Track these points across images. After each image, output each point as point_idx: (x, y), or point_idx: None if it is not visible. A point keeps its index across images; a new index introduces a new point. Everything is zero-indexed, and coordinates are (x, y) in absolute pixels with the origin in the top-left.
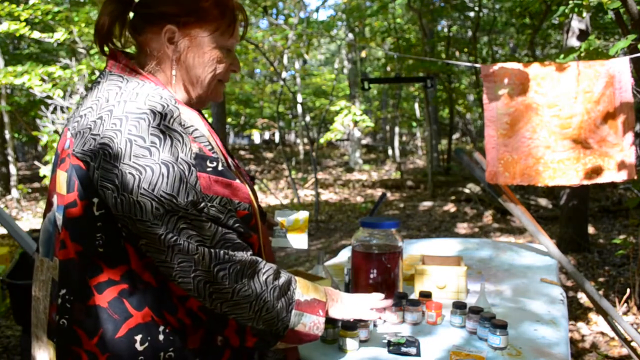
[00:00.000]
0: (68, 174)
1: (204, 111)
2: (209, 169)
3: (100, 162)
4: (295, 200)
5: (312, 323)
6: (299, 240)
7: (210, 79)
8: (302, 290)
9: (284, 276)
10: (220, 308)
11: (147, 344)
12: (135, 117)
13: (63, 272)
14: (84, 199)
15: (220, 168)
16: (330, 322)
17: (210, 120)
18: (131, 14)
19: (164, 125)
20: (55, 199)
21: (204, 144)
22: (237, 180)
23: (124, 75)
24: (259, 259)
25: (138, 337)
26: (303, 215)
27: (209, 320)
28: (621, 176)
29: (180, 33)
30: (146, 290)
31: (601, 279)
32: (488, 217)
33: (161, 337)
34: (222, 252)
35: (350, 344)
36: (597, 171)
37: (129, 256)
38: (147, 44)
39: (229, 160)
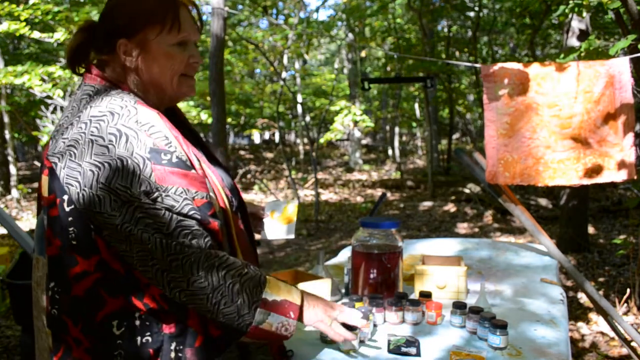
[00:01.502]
0: (48, 177)
1: (203, 112)
2: (164, 161)
3: (66, 162)
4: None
5: (279, 324)
6: (286, 229)
7: (169, 78)
8: (272, 290)
9: (250, 273)
10: (179, 297)
11: (123, 329)
12: (97, 119)
13: (51, 267)
14: (58, 197)
15: (174, 160)
16: None
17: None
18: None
19: (121, 124)
20: (42, 202)
21: (160, 139)
22: (194, 171)
23: (95, 84)
24: (220, 253)
25: (115, 323)
26: (292, 204)
27: (171, 308)
28: (621, 176)
29: (132, 43)
30: (116, 278)
31: (601, 279)
32: (488, 217)
33: (137, 322)
34: (174, 242)
35: (350, 343)
36: (597, 171)
37: (98, 247)
38: (110, 60)
39: (190, 153)
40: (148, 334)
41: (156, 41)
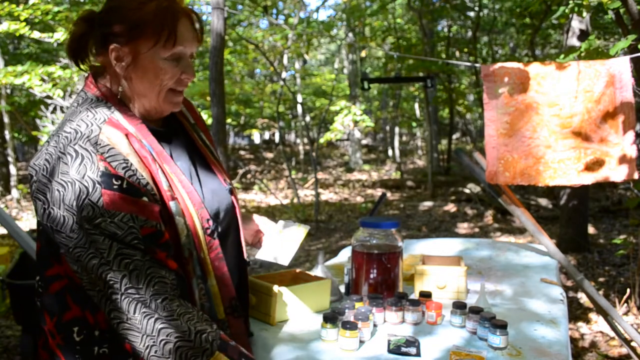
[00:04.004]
0: None
1: (203, 112)
2: (114, 187)
3: (40, 176)
4: (295, 200)
5: None
6: (282, 254)
7: (157, 92)
8: None
9: (195, 341)
10: (117, 328)
11: (82, 337)
12: (65, 135)
13: (37, 262)
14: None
15: (124, 186)
16: (330, 321)
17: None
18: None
19: (79, 145)
20: None
21: (116, 162)
22: (145, 198)
23: (87, 91)
24: (158, 302)
25: (75, 329)
26: (302, 229)
27: (110, 333)
28: (621, 176)
29: (125, 50)
30: (78, 289)
31: (601, 279)
32: (488, 217)
33: (97, 332)
34: (110, 274)
35: (350, 343)
36: (597, 170)
37: (61, 259)
38: (104, 63)
39: (159, 174)
40: (106, 345)
41: (149, 54)
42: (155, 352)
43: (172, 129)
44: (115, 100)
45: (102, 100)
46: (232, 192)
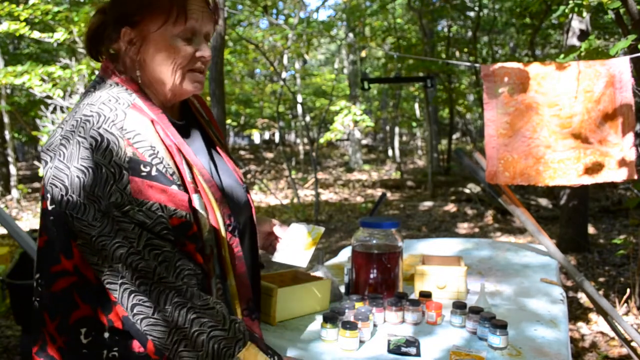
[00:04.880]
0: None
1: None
2: (142, 173)
3: (55, 161)
4: (295, 200)
5: None
6: (300, 257)
7: (172, 72)
8: (248, 356)
9: (228, 331)
10: (140, 324)
11: (91, 339)
12: (85, 118)
13: (38, 258)
14: (45, 193)
15: (154, 173)
16: (330, 321)
17: None
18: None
19: (103, 128)
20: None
21: (144, 149)
22: (174, 187)
23: (104, 77)
24: (194, 291)
25: (83, 330)
26: (316, 230)
27: (128, 333)
28: (621, 176)
29: (135, 33)
30: (89, 286)
31: (601, 279)
32: (488, 217)
33: (106, 334)
34: (141, 264)
35: (350, 343)
36: (597, 170)
37: (73, 252)
38: (119, 50)
39: (183, 165)
40: (115, 349)
41: (159, 33)
42: (185, 346)
43: (189, 123)
44: (134, 87)
45: (122, 86)
46: (247, 190)
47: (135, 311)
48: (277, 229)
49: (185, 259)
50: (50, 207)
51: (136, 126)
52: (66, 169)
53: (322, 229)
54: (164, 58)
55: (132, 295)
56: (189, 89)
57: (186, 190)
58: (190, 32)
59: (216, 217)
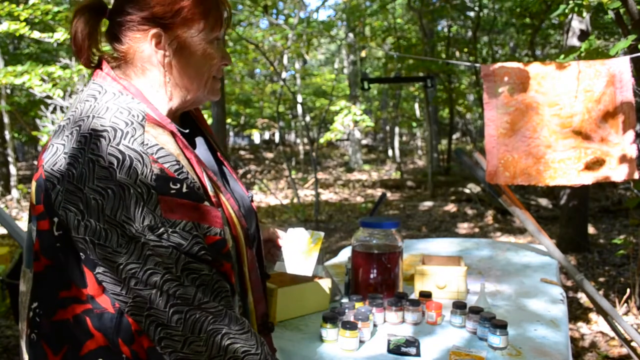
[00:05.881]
0: (37, 184)
1: (203, 112)
2: (172, 191)
3: (65, 184)
4: (295, 200)
5: None
6: (306, 265)
7: (204, 80)
8: None
9: (259, 352)
10: (168, 357)
11: None
12: (97, 134)
13: (35, 285)
14: (48, 215)
15: (184, 190)
16: (330, 321)
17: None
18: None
19: (124, 145)
20: (31, 209)
21: (170, 164)
22: (206, 203)
23: (104, 85)
24: (232, 314)
25: None
26: (317, 236)
27: None
28: (622, 175)
29: (167, 36)
30: (104, 314)
31: (601, 279)
32: (488, 217)
33: None
34: (179, 291)
35: (350, 343)
36: (597, 170)
37: (86, 280)
38: (131, 52)
39: (205, 178)
40: None
41: (198, 38)
42: None
43: (193, 132)
44: (137, 93)
45: (127, 94)
46: (252, 199)
47: (163, 345)
48: (276, 236)
49: (222, 280)
50: (56, 233)
51: (158, 140)
52: (78, 191)
53: (322, 234)
54: (200, 64)
55: (159, 328)
56: (212, 97)
57: (212, 204)
58: (219, 36)
59: (237, 231)
